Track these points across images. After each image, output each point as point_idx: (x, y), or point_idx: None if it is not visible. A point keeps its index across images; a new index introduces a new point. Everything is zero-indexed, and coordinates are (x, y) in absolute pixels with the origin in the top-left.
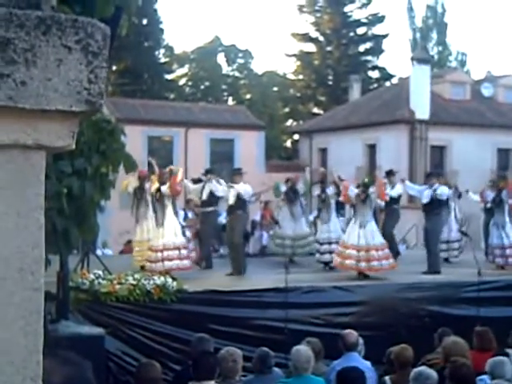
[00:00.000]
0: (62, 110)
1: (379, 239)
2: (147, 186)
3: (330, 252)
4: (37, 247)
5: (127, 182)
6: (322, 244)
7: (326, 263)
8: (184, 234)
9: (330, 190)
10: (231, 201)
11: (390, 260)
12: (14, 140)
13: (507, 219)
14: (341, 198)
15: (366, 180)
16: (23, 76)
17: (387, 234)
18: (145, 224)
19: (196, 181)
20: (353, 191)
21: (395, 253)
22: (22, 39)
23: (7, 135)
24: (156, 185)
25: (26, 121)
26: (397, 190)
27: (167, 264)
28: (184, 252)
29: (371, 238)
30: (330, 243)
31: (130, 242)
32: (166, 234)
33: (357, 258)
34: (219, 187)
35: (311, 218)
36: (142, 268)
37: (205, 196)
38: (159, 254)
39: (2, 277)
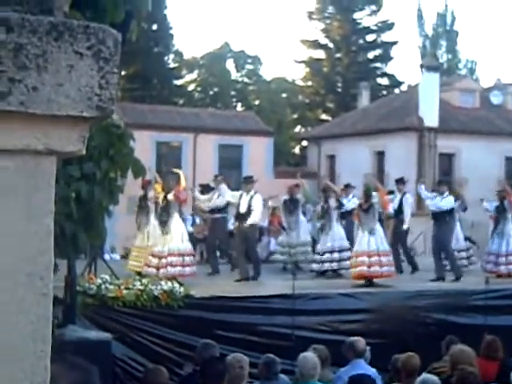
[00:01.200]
0: (73, 116)
1: (386, 245)
2: (150, 194)
3: (331, 261)
4: (46, 252)
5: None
6: (322, 254)
7: (333, 271)
8: (192, 240)
9: (333, 202)
10: (243, 208)
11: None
12: (25, 145)
13: (510, 227)
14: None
15: (368, 188)
16: (35, 81)
17: (394, 244)
18: (146, 231)
19: (204, 186)
20: (350, 201)
21: (413, 267)
22: (34, 45)
23: (18, 140)
24: (162, 193)
25: (36, 126)
26: (404, 200)
27: (170, 270)
28: (188, 259)
29: (380, 244)
30: (332, 252)
31: None
32: (173, 240)
33: (368, 264)
34: (228, 192)
35: (318, 225)
36: (139, 274)
37: (218, 201)
38: (163, 260)
39: (11, 282)
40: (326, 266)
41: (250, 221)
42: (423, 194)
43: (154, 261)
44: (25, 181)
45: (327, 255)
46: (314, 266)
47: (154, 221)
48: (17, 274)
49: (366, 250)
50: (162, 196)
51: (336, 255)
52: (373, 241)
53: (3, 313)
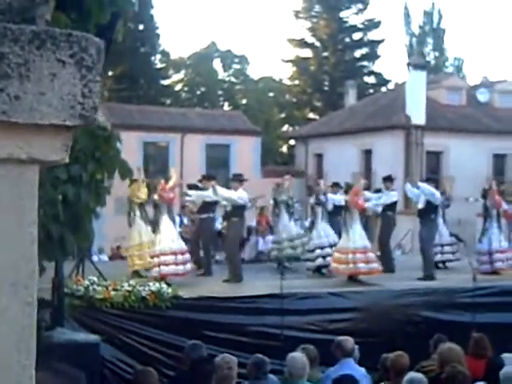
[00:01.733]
0: (56, 125)
1: (364, 243)
2: (137, 193)
3: (323, 256)
4: (30, 261)
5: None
6: (312, 251)
7: (318, 269)
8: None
9: (312, 199)
10: (228, 207)
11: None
12: (7, 154)
13: (494, 225)
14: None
15: (347, 186)
16: (17, 90)
17: (383, 243)
18: (135, 230)
19: (191, 187)
20: (333, 199)
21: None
22: (16, 54)
23: (1, 149)
24: (143, 192)
25: (19, 135)
26: (388, 198)
27: (163, 269)
28: (181, 257)
29: (358, 242)
30: (322, 248)
31: (119, 247)
32: (163, 240)
33: (353, 261)
34: (225, 190)
35: (306, 223)
36: (136, 273)
37: (226, 202)
38: (155, 260)
39: None
40: (319, 261)
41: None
42: (410, 191)
43: (155, 260)
44: (8, 190)
45: (318, 251)
46: (308, 264)
47: (139, 220)
48: (1, 283)
49: (344, 247)
50: (145, 195)
51: (328, 250)
52: (350, 238)
53: None
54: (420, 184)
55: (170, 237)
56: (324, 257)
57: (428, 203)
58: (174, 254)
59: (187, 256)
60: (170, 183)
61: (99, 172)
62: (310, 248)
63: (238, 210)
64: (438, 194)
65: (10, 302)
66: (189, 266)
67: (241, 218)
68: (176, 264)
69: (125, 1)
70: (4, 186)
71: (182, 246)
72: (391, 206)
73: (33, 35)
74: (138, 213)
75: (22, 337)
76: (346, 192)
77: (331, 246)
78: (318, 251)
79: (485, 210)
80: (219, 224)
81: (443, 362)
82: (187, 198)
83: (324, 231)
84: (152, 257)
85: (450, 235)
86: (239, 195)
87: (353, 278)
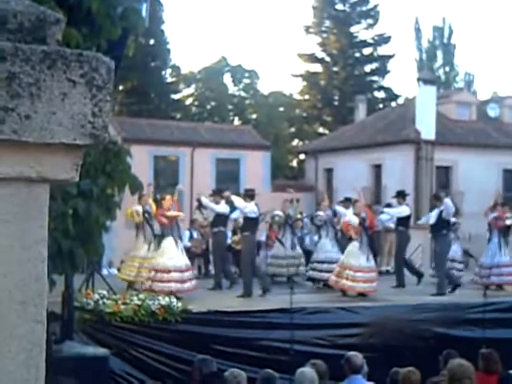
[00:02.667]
0: (66, 144)
1: (362, 261)
2: (144, 208)
3: (320, 270)
4: (39, 280)
5: (131, 211)
6: (312, 263)
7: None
8: (189, 255)
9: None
10: (240, 221)
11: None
12: (18, 173)
13: (495, 240)
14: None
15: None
16: (28, 110)
17: (397, 258)
18: (140, 242)
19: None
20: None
21: (418, 275)
22: (27, 73)
23: (12, 168)
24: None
25: (30, 154)
26: (400, 211)
27: (157, 285)
28: (187, 274)
29: (351, 258)
30: (320, 262)
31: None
32: (167, 255)
33: (352, 278)
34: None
35: (316, 238)
36: (129, 284)
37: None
38: (152, 274)
39: (5, 310)
40: (312, 273)
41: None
42: (387, 214)
43: (158, 275)
44: (18, 208)
45: (316, 264)
46: (309, 273)
47: (141, 235)
48: (10, 301)
49: (351, 263)
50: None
51: (324, 266)
52: (356, 255)
53: None
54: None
55: (169, 254)
56: (319, 271)
57: (439, 218)
58: (180, 271)
59: (187, 274)
60: (167, 204)
61: (110, 186)
62: (312, 260)
63: (250, 223)
64: (453, 208)
65: (19, 320)
66: (187, 284)
67: (253, 232)
68: (182, 281)
69: (135, 16)
70: (14, 205)
71: (182, 263)
72: (403, 221)
73: (44, 55)
74: (145, 227)
75: (31, 354)
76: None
77: (330, 262)
78: (316, 264)
79: (489, 224)
80: (229, 239)
81: (453, 378)
82: (203, 200)
83: (324, 247)
84: (149, 270)
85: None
86: (251, 208)
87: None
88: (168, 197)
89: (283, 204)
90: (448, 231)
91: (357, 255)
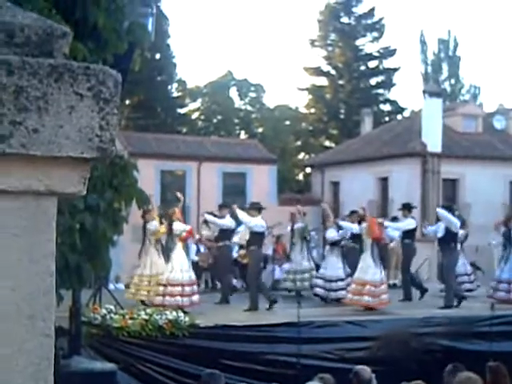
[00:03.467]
0: (74, 157)
1: (373, 275)
2: (149, 224)
3: (325, 288)
4: (48, 294)
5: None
6: (320, 278)
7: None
8: (196, 269)
9: (329, 232)
10: (246, 235)
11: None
12: (26, 186)
13: None
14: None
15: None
16: (35, 123)
17: (403, 271)
18: (148, 259)
19: (209, 214)
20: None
21: (421, 290)
22: (35, 87)
23: (19, 182)
24: (156, 222)
25: (38, 167)
26: (405, 225)
27: (168, 299)
28: (188, 289)
29: (368, 273)
30: (324, 279)
31: None
32: (173, 270)
33: (365, 293)
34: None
35: (323, 251)
36: (142, 302)
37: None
38: (161, 288)
39: (13, 323)
40: (319, 291)
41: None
42: (392, 228)
43: (160, 289)
44: (26, 222)
45: (319, 281)
46: (315, 290)
47: (153, 249)
48: (18, 315)
49: (355, 278)
50: (160, 224)
51: (330, 284)
52: (360, 269)
53: (5, 355)
54: (439, 210)
55: (179, 267)
56: (327, 289)
57: (447, 231)
58: (182, 285)
59: (195, 287)
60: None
61: (116, 200)
62: (319, 276)
63: (256, 238)
64: (457, 222)
65: (27, 334)
66: (195, 297)
67: (259, 246)
68: (181, 295)
69: (141, 31)
70: (22, 219)
71: (192, 276)
72: (409, 234)
73: (51, 68)
74: (153, 241)
75: (40, 368)
76: (360, 222)
77: (331, 280)
78: (320, 281)
79: (505, 237)
80: (235, 252)
81: None
82: (207, 218)
83: (330, 264)
84: (158, 284)
85: (469, 264)
86: (257, 222)
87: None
88: (177, 209)
89: (292, 216)
90: (456, 244)
91: (372, 270)
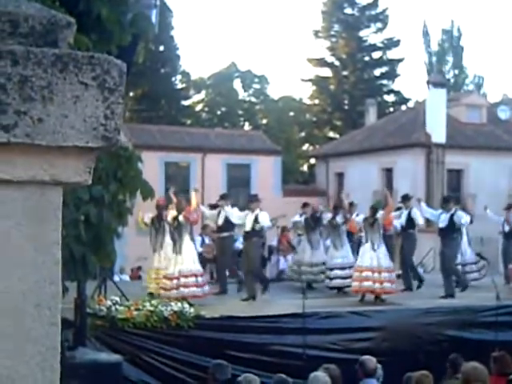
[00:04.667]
0: (79, 146)
1: (389, 262)
2: (165, 214)
3: (342, 277)
4: (53, 283)
5: (140, 217)
6: (332, 269)
7: (339, 288)
8: (202, 260)
9: (340, 218)
10: (248, 227)
11: (394, 285)
12: (31, 176)
13: None
14: (347, 228)
15: (375, 203)
16: (40, 113)
17: (406, 260)
18: (162, 252)
19: (213, 206)
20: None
21: (418, 280)
22: (39, 77)
23: (25, 172)
24: (173, 213)
25: (42, 157)
26: (412, 214)
27: (183, 291)
28: (200, 279)
29: (383, 260)
30: (342, 268)
31: (139, 268)
32: (184, 262)
33: (373, 280)
34: (234, 213)
35: (328, 242)
36: (151, 294)
37: (220, 222)
38: (175, 282)
39: (19, 312)
40: (337, 282)
41: (262, 222)
42: (425, 211)
43: (168, 283)
44: (32, 212)
45: (336, 271)
46: (327, 282)
47: (169, 241)
48: (24, 304)
49: (369, 266)
50: (172, 216)
51: (348, 271)
52: (374, 256)
53: (12, 343)
54: (423, 206)
55: (191, 258)
56: (343, 278)
57: (451, 222)
58: (195, 275)
59: (204, 278)
60: (193, 204)
61: (121, 192)
62: (331, 266)
63: (255, 229)
64: (444, 216)
65: (34, 322)
66: (207, 287)
67: (260, 237)
68: (197, 286)
69: (145, 23)
70: (27, 208)
71: (200, 268)
72: (412, 224)
73: (55, 58)
74: (168, 235)
75: (46, 357)
76: (373, 210)
77: (350, 267)
78: (337, 271)
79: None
80: (240, 244)
81: (467, 381)
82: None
83: (347, 252)
84: (171, 279)
85: (472, 253)
86: (238, 215)
87: (379, 298)
88: (193, 193)
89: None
90: (458, 235)
91: (372, 255)
